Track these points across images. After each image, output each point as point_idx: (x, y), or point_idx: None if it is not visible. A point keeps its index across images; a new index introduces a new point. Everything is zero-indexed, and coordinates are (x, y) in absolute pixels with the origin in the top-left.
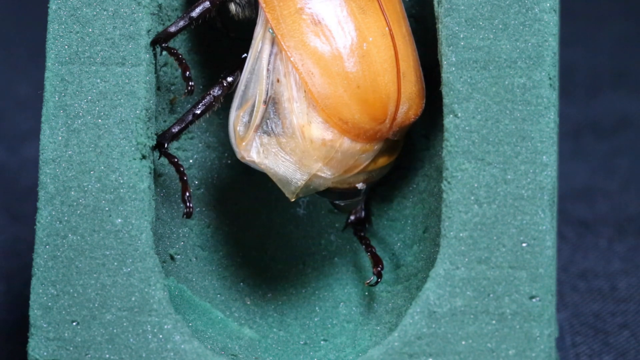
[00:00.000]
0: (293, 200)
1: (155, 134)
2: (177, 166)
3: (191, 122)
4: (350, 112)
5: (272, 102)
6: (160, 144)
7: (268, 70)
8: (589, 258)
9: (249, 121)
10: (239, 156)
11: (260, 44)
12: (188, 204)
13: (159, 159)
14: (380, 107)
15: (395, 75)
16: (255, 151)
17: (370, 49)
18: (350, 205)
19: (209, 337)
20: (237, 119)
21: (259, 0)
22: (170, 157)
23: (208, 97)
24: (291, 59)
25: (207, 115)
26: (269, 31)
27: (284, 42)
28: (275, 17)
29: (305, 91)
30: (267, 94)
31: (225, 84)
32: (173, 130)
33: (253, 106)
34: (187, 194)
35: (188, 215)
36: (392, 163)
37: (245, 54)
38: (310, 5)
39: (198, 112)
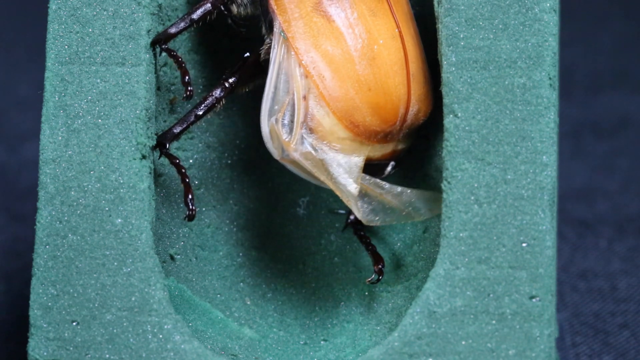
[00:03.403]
0: (357, 194)
1: (155, 134)
2: (178, 167)
3: (192, 123)
4: (361, 115)
5: (311, 96)
6: (161, 144)
7: (300, 66)
8: (589, 258)
9: (292, 120)
10: (294, 157)
11: (284, 44)
12: (191, 206)
13: (159, 158)
14: (391, 109)
15: (405, 77)
16: (308, 146)
17: (380, 51)
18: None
19: (209, 337)
20: (277, 123)
21: (270, 3)
22: (172, 158)
23: (210, 99)
24: (302, 61)
25: (209, 116)
26: (281, 34)
27: (295, 45)
28: (287, 20)
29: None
30: (305, 88)
31: (227, 85)
32: (174, 130)
33: (292, 105)
34: (190, 196)
35: (190, 218)
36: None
37: (247, 53)
38: (321, 8)
39: (200, 113)
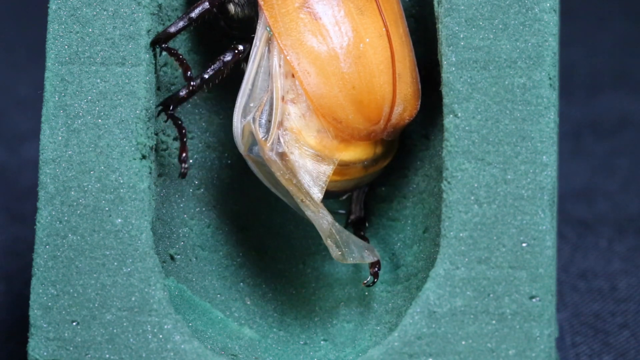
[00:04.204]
0: (320, 196)
1: (155, 134)
2: (180, 128)
3: (200, 87)
4: (344, 113)
5: (290, 97)
6: (167, 106)
7: (280, 66)
8: (589, 258)
9: (269, 120)
10: (269, 156)
11: (266, 43)
12: (184, 164)
13: (165, 122)
14: (375, 108)
15: (391, 77)
16: (283, 147)
17: (366, 50)
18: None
19: (209, 337)
20: (254, 122)
21: None
22: (175, 120)
23: (218, 63)
24: (287, 57)
25: (216, 81)
26: (267, 29)
27: (281, 41)
28: (273, 15)
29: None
30: (284, 89)
31: (236, 51)
32: (180, 94)
33: (271, 104)
34: (184, 154)
35: (182, 175)
36: (383, 168)
37: (253, 34)
38: (308, 4)
39: (206, 77)
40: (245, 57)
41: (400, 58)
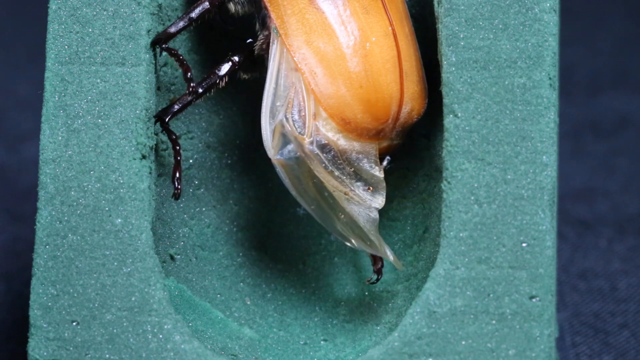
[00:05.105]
0: (382, 173)
1: (155, 134)
2: (174, 143)
3: (195, 99)
4: (352, 112)
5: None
6: (162, 119)
7: None
8: (589, 258)
9: (301, 115)
10: (310, 150)
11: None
12: (177, 185)
13: (162, 132)
14: (383, 107)
15: (398, 75)
16: (327, 137)
17: (373, 49)
18: None
19: (209, 337)
20: (287, 120)
21: (263, 0)
22: (170, 133)
23: (213, 76)
24: (294, 58)
25: (211, 93)
26: (273, 30)
27: (287, 41)
28: (280, 16)
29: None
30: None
31: (232, 62)
32: (174, 108)
33: (300, 99)
34: (178, 174)
35: (176, 196)
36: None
37: (250, 39)
38: (313, 4)
39: (201, 90)
40: (241, 67)
41: (406, 56)
